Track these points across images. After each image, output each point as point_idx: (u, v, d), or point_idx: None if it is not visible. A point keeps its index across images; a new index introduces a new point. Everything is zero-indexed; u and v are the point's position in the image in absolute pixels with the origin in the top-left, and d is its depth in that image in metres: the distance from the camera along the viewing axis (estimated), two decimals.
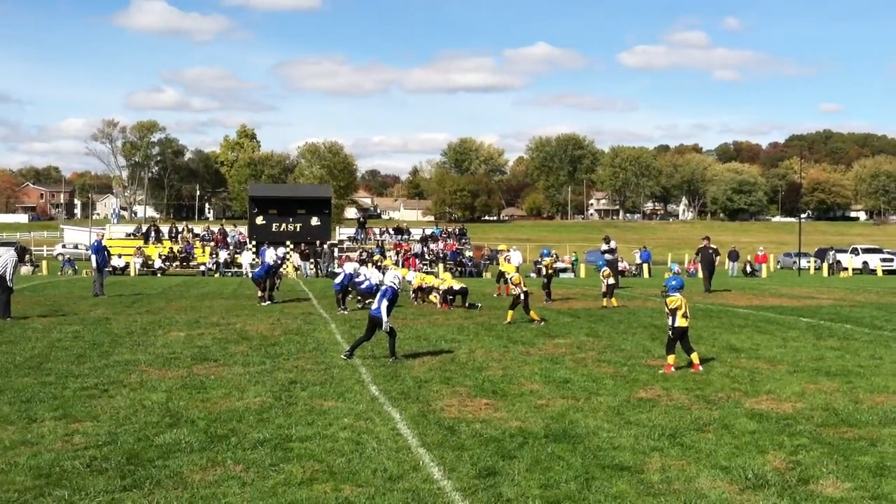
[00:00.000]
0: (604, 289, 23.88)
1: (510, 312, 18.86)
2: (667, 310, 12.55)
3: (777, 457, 7.75)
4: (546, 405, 9.95)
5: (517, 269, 21.29)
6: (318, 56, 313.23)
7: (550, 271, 25.70)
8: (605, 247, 32.68)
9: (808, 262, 60.96)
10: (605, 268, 25.20)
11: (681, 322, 12.38)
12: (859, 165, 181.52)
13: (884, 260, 57.50)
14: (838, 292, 31.74)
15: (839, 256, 57.94)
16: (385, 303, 12.97)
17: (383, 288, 13.43)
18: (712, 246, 31.94)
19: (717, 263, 33.24)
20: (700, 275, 34.88)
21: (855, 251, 60.02)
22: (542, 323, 18.39)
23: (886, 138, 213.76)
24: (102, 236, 30.05)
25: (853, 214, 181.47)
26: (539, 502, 6.46)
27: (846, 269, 55.60)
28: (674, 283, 12.76)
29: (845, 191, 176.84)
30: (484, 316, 20.56)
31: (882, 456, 7.76)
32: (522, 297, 18.62)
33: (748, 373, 12.27)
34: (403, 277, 22.14)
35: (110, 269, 35.06)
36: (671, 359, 12.37)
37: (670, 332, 12.43)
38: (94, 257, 27.86)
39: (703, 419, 9.19)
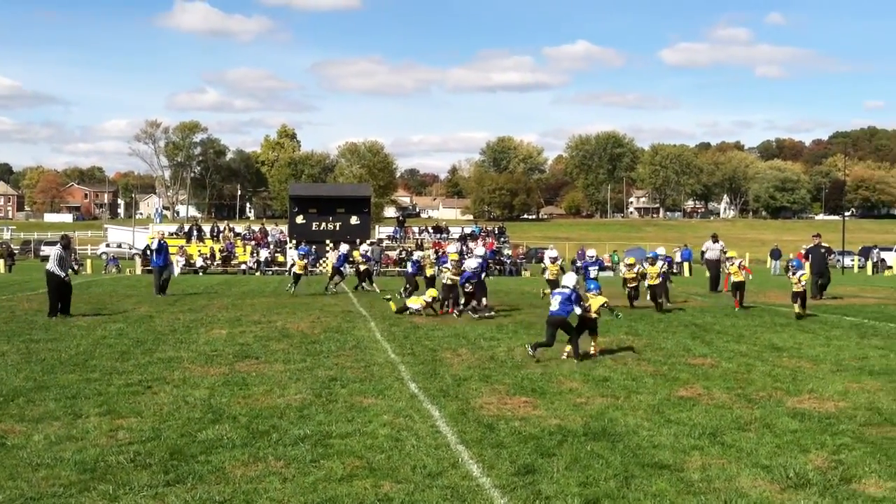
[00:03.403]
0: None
1: None
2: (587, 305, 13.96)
3: (819, 456, 7.67)
4: (585, 403, 9.93)
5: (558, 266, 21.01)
6: (355, 56, 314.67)
7: (655, 281, 21.88)
8: (712, 245, 31.87)
9: (852, 260, 60.16)
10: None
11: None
12: None
13: None
14: (883, 291, 31.29)
15: (884, 255, 57.20)
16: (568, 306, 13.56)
17: (567, 293, 13.69)
18: (824, 244, 27.59)
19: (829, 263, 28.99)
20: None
21: None
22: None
23: None
24: (163, 235, 29.77)
25: None
26: (578, 500, 6.45)
27: (891, 267, 54.77)
28: (592, 286, 14.58)
29: (890, 188, 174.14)
30: (523, 314, 20.54)
31: None
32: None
33: (790, 372, 12.15)
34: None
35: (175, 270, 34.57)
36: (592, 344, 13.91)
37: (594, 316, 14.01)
38: (153, 256, 28.20)
39: (744, 418, 9.12)
